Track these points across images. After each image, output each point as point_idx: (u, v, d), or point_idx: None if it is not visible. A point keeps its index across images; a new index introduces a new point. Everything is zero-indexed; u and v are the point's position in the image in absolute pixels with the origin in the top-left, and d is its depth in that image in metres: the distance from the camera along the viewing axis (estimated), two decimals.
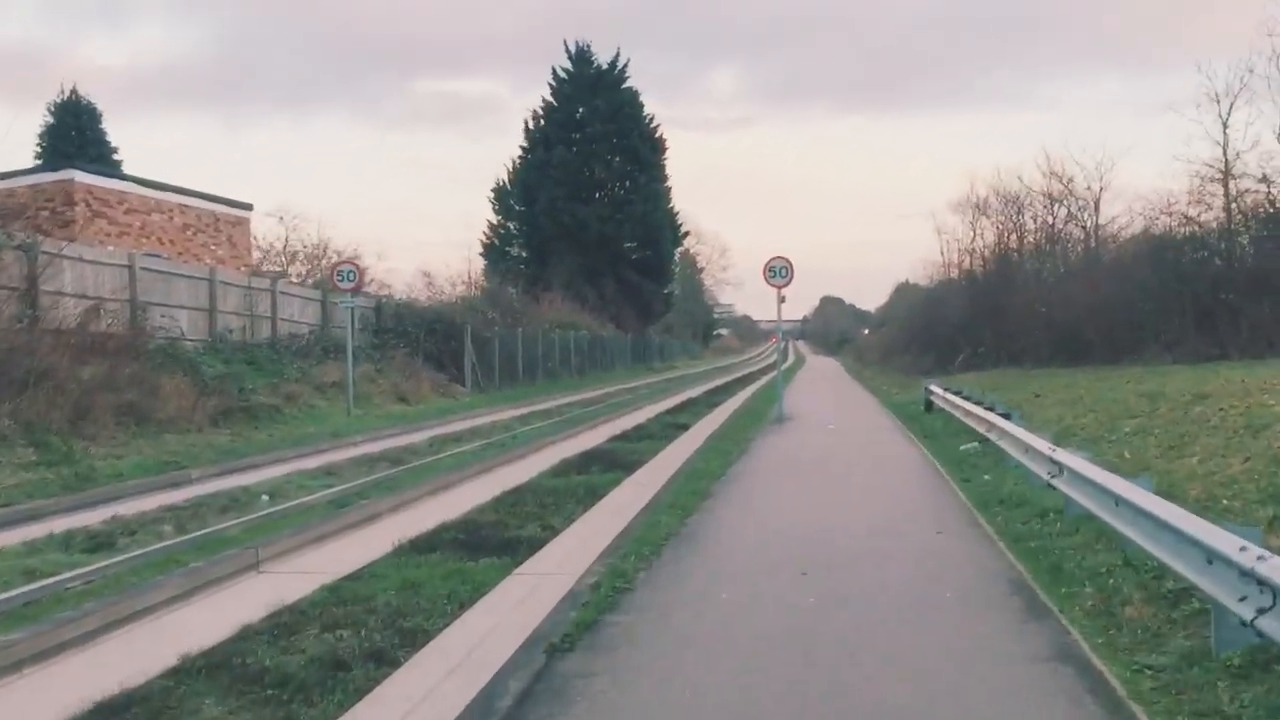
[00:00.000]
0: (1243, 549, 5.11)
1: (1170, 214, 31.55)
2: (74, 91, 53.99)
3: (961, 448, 16.38)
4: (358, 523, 11.34)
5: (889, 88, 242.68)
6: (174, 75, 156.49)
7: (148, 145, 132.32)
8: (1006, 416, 14.30)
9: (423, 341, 32.82)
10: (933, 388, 24.96)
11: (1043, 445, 10.58)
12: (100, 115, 55.12)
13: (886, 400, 31.73)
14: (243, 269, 27.95)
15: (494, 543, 10.05)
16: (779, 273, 23.75)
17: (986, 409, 16.07)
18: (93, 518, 11.48)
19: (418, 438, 20.90)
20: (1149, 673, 5.50)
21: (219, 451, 17.25)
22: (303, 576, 8.79)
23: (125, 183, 24.24)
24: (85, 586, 8.36)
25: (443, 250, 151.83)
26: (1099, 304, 30.63)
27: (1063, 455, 9.52)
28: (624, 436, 21.14)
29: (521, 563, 9.17)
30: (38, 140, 52.84)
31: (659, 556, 8.85)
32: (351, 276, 23.93)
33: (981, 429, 15.84)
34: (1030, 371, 31.31)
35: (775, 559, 8.69)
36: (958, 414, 19.47)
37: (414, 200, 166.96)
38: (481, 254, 61.11)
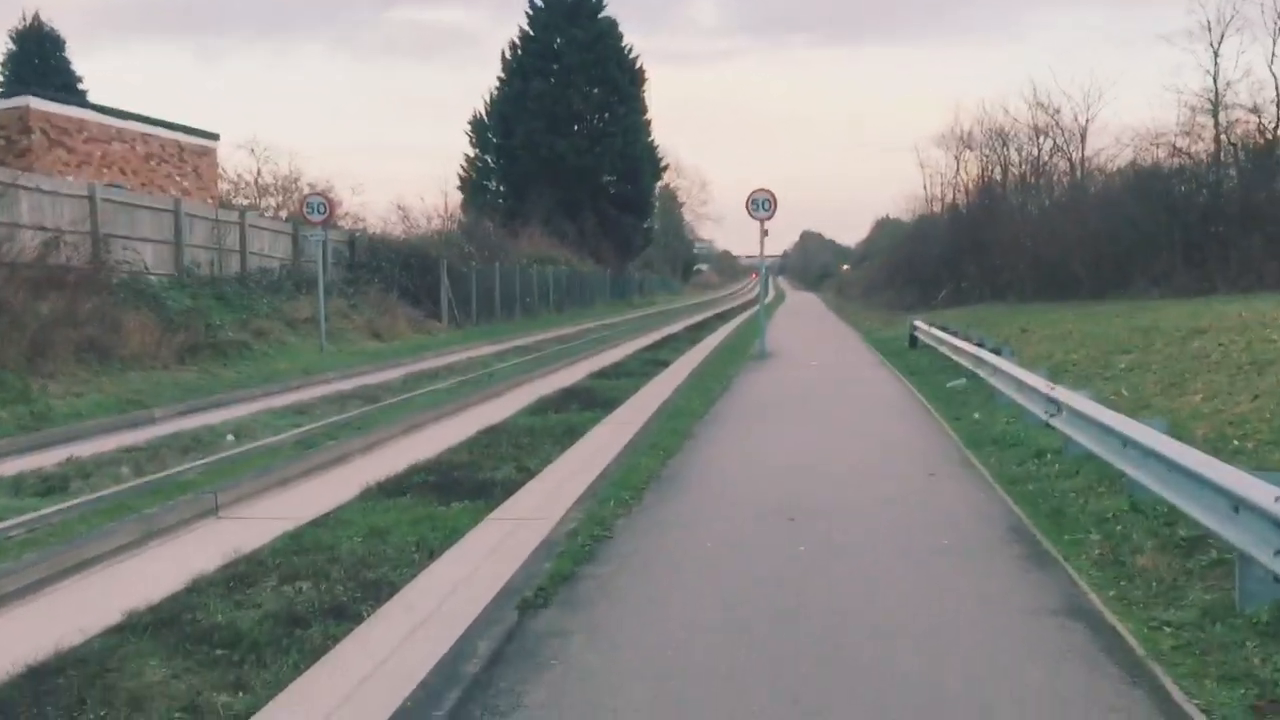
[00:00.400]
0: (1278, 499, 4.69)
1: (1158, 145, 31.02)
2: (36, 18, 52.30)
3: (949, 384, 16.00)
4: (325, 464, 10.87)
5: (874, 18, 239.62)
6: (145, 4, 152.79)
7: (117, 77, 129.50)
8: (997, 352, 13.89)
9: (398, 276, 32.16)
10: (917, 323, 24.58)
11: (1039, 383, 10.17)
12: (63, 43, 53.44)
13: (869, 336, 31.36)
14: (210, 201, 27.08)
15: (467, 486, 9.60)
16: (761, 205, 23.16)
17: (975, 345, 15.66)
18: (47, 459, 10.96)
19: (392, 375, 20.39)
20: (1168, 630, 5.10)
21: (184, 390, 16.69)
22: (264, 522, 8.33)
23: (85, 110, 23.23)
24: (29, 535, 7.86)
25: (420, 184, 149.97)
26: (1085, 237, 30.18)
27: (1062, 393, 9.11)
28: (603, 374, 20.68)
29: (495, 507, 8.73)
30: None
31: (639, 501, 8.42)
32: (321, 209, 23.17)
33: (969, 365, 15.45)
34: (1015, 306, 30.97)
35: (761, 504, 8.27)
36: (944, 350, 19.09)
37: (390, 133, 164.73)
38: (459, 188, 60.01)
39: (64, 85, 47.74)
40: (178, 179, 26.02)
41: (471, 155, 60.81)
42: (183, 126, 26.43)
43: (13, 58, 50.75)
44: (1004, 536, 7.04)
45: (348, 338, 26.13)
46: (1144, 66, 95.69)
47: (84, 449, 11.58)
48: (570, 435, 12.73)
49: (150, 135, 25.06)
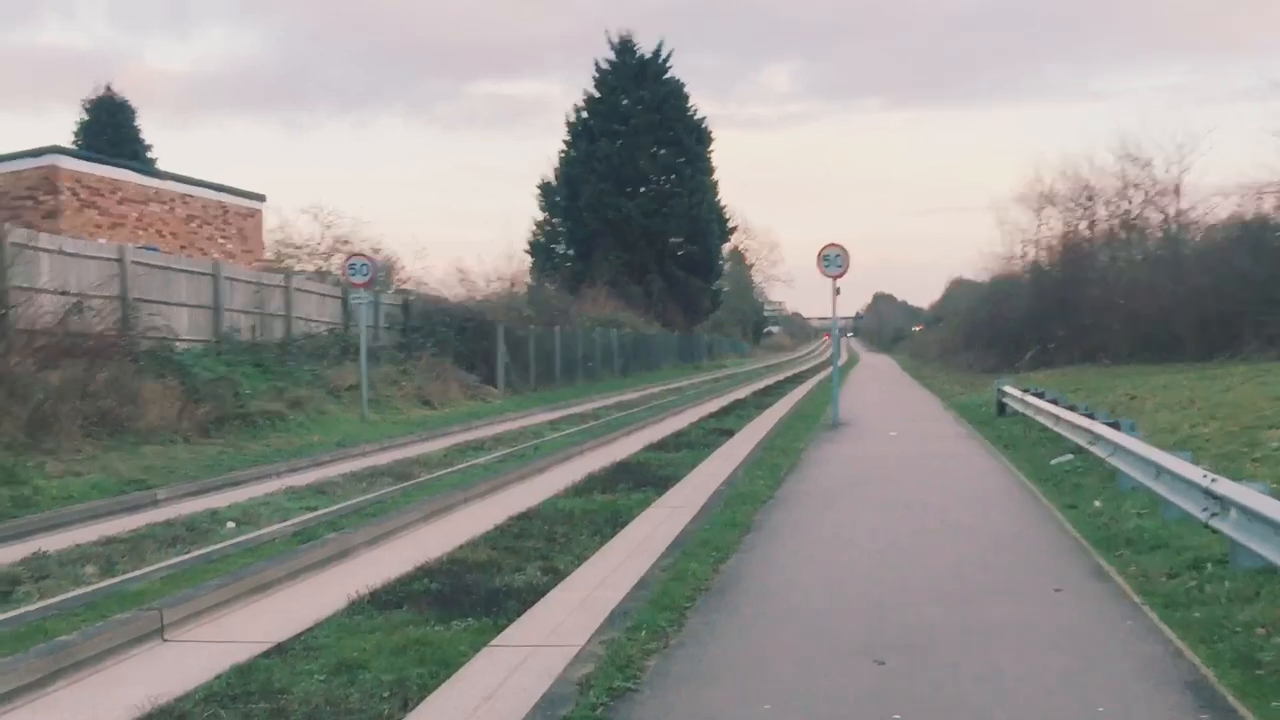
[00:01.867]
0: None
1: (1263, 195, 28.51)
2: (108, 88, 53.07)
3: (1053, 461, 13.93)
4: (320, 563, 9.22)
5: (948, 81, 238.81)
6: (236, 81, 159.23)
7: (203, 149, 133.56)
8: (1115, 426, 11.81)
9: (452, 341, 30.85)
10: (1006, 388, 22.45)
11: (1190, 470, 8.13)
12: (134, 112, 54.16)
13: (950, 402, 29.15)
14: (255, 264, 26.06)
15: (477, 595, 7.89)
16: (834, 261, 21.34)
17: (1085, 415, 13.58)
18: (10, 554, 9.49)
19: (434, 446, 18.88)
20: None
21: (201, 466, 15.27)
22: (215, 649, 6.70)
23: (119, 170, 22.37)
24: None
25: (489, 249, 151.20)
26: (1188, 294, 27.72)
27: (1229, 488, 7.09)
28: (661, 445, 18.93)
29: (504, 628, 7.02)
30: (73, 138, 51.81)
31: (680, 628, 6.58)
32: (365, 270, 21.91)
33: (1078, 439, 13.37)
34: (1109, 369, 28.55)
35: (838, 634, 6.37)
36: (1042, 419, 16.99)
37: (464, 201, 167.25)
38: (527, 251, 59.20)
39: (135, 154, 48.05)
40: (220, 241, 25.03)
41: (540, 219, 60.10)
42: (227, 187, 25.52)
43: (85, 127, 51.37)
44: (1182, 700, 5.04)
45: (395, 405, 24.74)
46: (1228, 123, 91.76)
47: (59, 540, 10.14)
48: (614, 523, 11.03)
49: (191, 196, 24.14)
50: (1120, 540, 8.59)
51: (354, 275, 21.88)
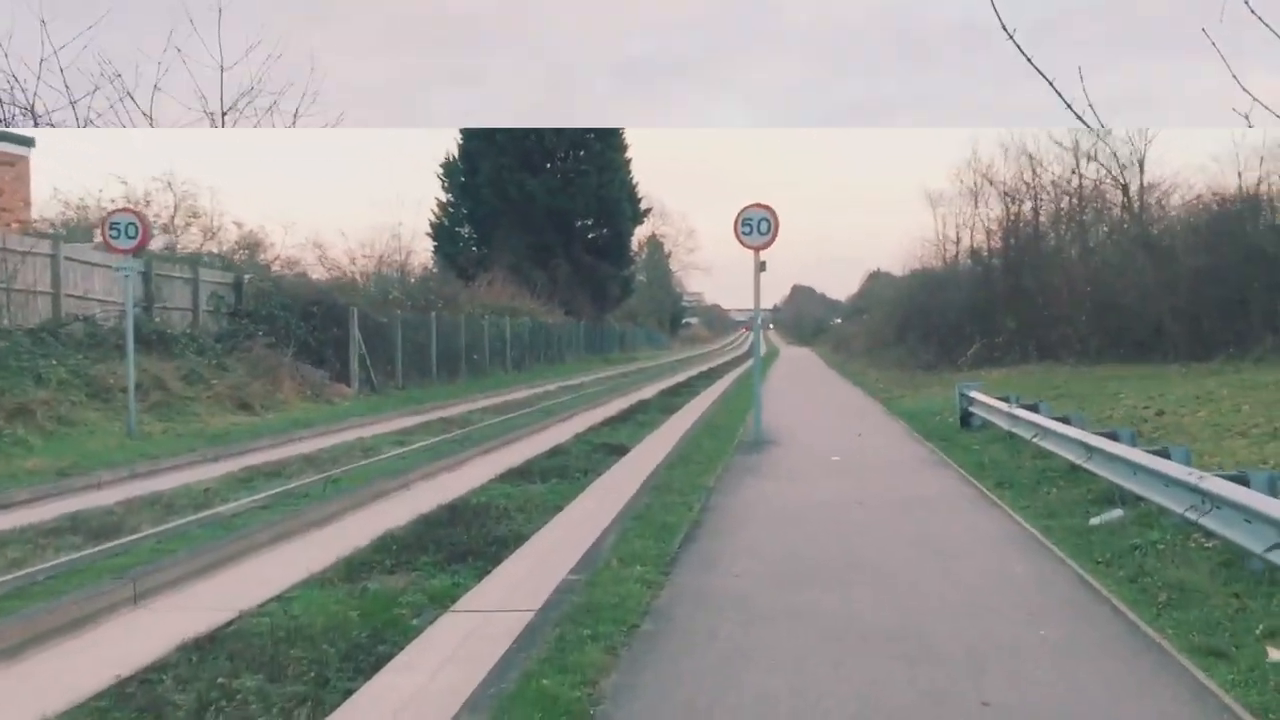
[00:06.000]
0: None
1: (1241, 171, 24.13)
2: None
3: (1093, 521, 9.01)
4: None
5: (866, 95, 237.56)
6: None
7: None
8: (1242, 481, 6.86)
9: (295, 328, 25.27)
10: (974, 394, 17.71)
11: None
12: None
13: (895, 407, 24.34)
14: (14, 225, 20.17)
15: None
16: (756, 227, 16.29)
17: (1155, 453, 8.63)
18: None
19: (209, 473, 13.54)
20: None
21: None
22: None
23: None
24: None
25: (369, 229, 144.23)
26: (1174, 280, 23.27)
27: None
28: (523, 471, 13.79)
29: None
30: None
31: None
32: (132, 232, 16.25)
33: (1115, 478, 8.47)
34: (1083, 369, 23.98)
35: None
36: (1045, 443, 12.17)
37: (388, 189, 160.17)
38: (429, 234, 53.51)
39: None
40: None
41: (443, 200, 54.43)
42: None
43: None
44: None
45: (194, 411, 19.13)
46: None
47: None
48: (357, 664, 6.07)
49: None
50: None
51: (117, 238, 16.22)
